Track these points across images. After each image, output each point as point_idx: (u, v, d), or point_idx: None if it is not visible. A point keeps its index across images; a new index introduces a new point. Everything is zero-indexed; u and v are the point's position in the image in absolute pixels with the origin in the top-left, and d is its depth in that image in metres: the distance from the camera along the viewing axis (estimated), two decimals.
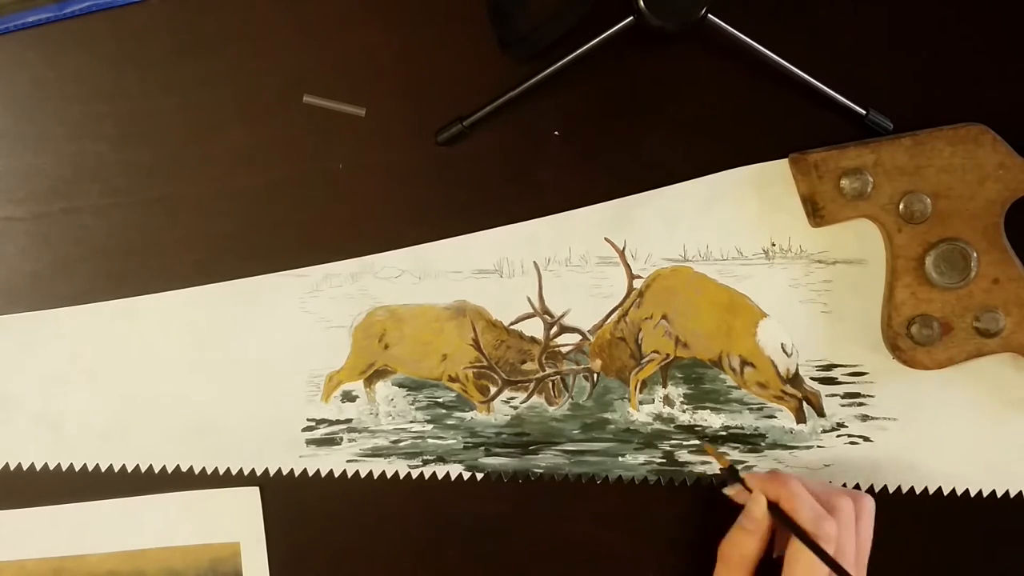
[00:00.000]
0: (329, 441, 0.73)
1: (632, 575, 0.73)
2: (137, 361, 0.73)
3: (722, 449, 0.72)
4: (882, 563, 0.72)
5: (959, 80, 0.71)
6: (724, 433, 0.72)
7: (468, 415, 0.73)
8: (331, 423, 0.73)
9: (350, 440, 0.73)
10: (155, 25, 0.72)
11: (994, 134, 0.68)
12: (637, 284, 0.72)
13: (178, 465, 0.73)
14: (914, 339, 0.69)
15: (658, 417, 0.72)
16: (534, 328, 0.72)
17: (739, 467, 0.71)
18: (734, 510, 0.67)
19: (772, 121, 0.71)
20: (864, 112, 0.70)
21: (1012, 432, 0.71)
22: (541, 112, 0.71)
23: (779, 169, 0.70)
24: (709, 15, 0.67)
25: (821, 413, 0.71)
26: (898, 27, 0.71)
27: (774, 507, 0.64)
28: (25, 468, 0.73)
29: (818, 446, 0.72)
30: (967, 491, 0.72)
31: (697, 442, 0.71)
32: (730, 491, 0.67)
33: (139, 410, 0.73)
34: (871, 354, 0.71)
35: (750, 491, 0.66)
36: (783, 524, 0.64)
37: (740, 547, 0.65)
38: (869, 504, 0.66)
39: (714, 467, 0.72)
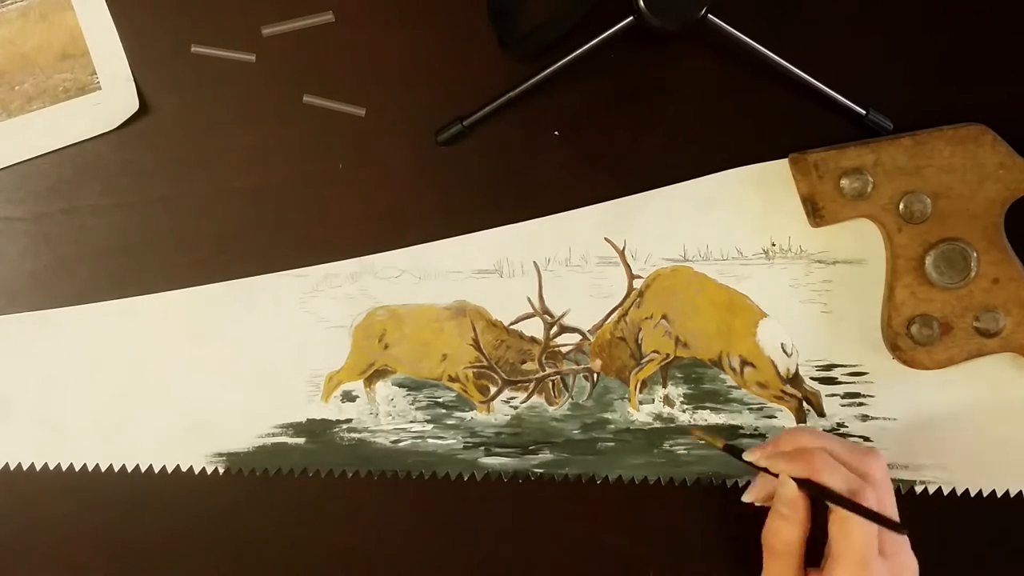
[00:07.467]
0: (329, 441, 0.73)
1: (632, 575, 0.73)
2: (137, 361, 0.73)
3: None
4: None
5: (959, 80, 0.71)
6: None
7: (468, 415, 0.73)
8: (331, 423, 0.73)
9: (350, 440, 0.73)
10: (155, 24, 0.72)
11: (994, 134, 0.68)
12: (637, 284, 0.72)
13: (178, 465, 0.73)
14: (914, 339, 0.68)
15: (658, 417, 0.72)
16: (534, 328, 0.72)
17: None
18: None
19: (772, 121, 0.71)
20: (864, 112, 0.70)
21: (1012, 432, 0.71)
22: (541, 112, 0.71)
23: (779, 169, 0.70)
24: (709, 15, 0.67)
25: (821, 413, 0.71)
26: (898, 27, 0.71)
27: (807, 483, 0.61)
28: (25, 468, 0.73)
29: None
30: (967, 491, 0.72)
31: (701, 442, 0.69)
32: (749, 456, 0.64)
33: (139, 410, 0.73)
34: (871, 354, 0.71)
35: (776, 475, 0.63)
36: (820, 497, 0.61)
37: (781, 534, 0.62)
38: (883, 459, 0.64)
39: (713, 467, 0.72)
